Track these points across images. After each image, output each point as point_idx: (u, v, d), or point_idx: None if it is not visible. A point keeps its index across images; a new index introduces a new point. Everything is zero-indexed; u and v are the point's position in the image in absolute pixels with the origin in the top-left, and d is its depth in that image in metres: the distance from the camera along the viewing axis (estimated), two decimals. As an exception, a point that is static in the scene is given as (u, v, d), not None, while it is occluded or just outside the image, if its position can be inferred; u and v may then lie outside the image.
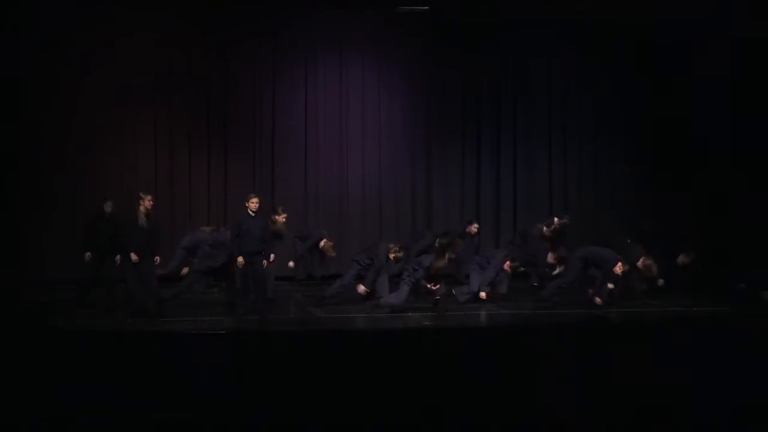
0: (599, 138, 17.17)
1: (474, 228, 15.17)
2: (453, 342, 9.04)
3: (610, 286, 12.94)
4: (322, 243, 14.66)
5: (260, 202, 12.63)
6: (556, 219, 14.57)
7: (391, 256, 13.04)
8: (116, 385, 7.44)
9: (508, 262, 13.54)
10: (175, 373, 7.65)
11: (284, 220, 13.37)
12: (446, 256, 12.80)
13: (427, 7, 15.93)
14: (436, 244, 13.71)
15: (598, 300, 12.93)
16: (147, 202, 12.25)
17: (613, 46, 16.65)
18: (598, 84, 17.01)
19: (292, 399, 7.35)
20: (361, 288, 13.01)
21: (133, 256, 11.97)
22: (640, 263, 13.05)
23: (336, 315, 12.83)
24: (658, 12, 15.34)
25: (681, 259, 14.34)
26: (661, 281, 13.72)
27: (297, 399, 7.35)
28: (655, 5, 15.07)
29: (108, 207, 13.18)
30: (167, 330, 11.61)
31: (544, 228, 14.35)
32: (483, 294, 13.34)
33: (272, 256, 12.65)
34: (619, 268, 12.79)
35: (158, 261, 12.30)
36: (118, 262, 12.47)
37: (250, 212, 12.30)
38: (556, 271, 13.88)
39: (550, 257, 14.03)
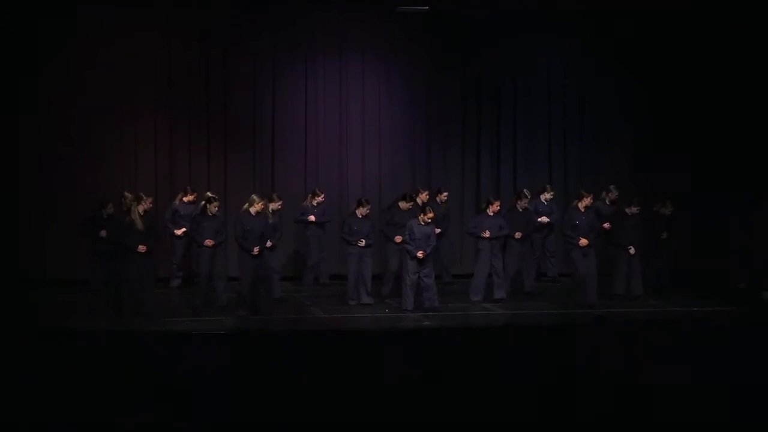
0: (599, 138, 17.15)
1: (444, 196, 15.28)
2: (453, 342, 9.05)
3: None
4: None
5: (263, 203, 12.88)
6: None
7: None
8: (116, 385, 7.44)
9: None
10: (175, 373, 7.66)
11: (278, 207, 13.76)
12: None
13: (427, 7, 15.91)
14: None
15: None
16: (147, 204, 12.33)
17: (614, 46, 16.63)
18: (598, 84, 16.98)
19: (292, 399, 7.35)
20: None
21: (141, 248, 12.06)
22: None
23: (336, 315, 12.85)
24: (659, 9, 15.34)
25: (662, 210, 14.30)
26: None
27: (297, 399, 7.35)
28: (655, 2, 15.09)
29: (110, 209, 13.18)
30: (167, 330, 11.63)
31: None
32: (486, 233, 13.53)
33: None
34: None
35: None
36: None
37: (252, 213, 12.55)
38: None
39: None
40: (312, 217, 14.93)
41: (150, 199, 12.70)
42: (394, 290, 13.82)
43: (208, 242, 13.00)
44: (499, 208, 13.74)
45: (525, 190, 14.70)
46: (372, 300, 13.39)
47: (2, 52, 14.72)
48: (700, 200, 15.44)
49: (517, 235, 13.86)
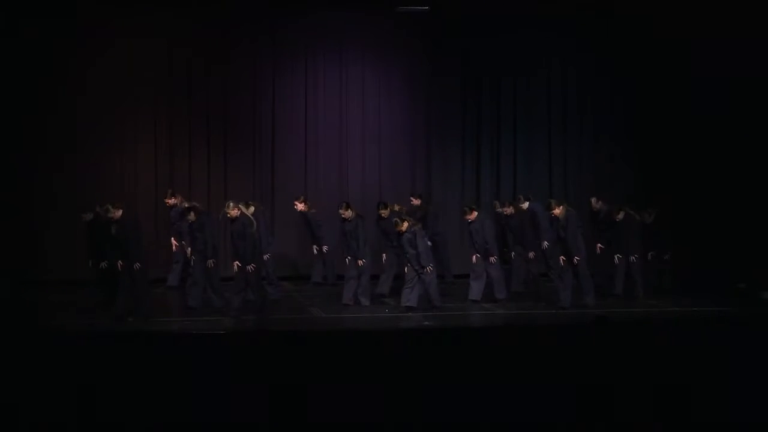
0: (599, 138, 17.16)
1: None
2: (453, 342, 9.04)
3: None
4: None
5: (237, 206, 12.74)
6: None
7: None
8: (116, 385, 7.44)
9: None
10: (175, 373, 7.66)
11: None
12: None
13: (427, 7, 15.93)
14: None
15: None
16: (116, 213, 12.27)
17: (614, 45, 16.63)
18: (598, 83, 16.99)
19: (292, 399, 7.35)
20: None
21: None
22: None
23: (336, 315, 12.86)
24: (659, 9, 15.35)
25: (645, 217, 14.33)
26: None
27: (296, 399, 7.35)
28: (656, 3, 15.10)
29: (87, 217, 13.08)
30: (167, 330, 11.64)
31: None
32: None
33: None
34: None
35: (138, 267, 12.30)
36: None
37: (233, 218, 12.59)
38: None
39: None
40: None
41: (119, 211, 12.49)
42: (393, 290, 13.84)
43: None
44: (475, 215, 13.65)
45: (521, 196, 14.76)
46: (368, 301, 13.39)
47: (2, 52, 14.74)
48: (700, 199, 15.45)
49: (531, 255, 14.20)
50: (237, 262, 12.38)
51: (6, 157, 15.00)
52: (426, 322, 12.27)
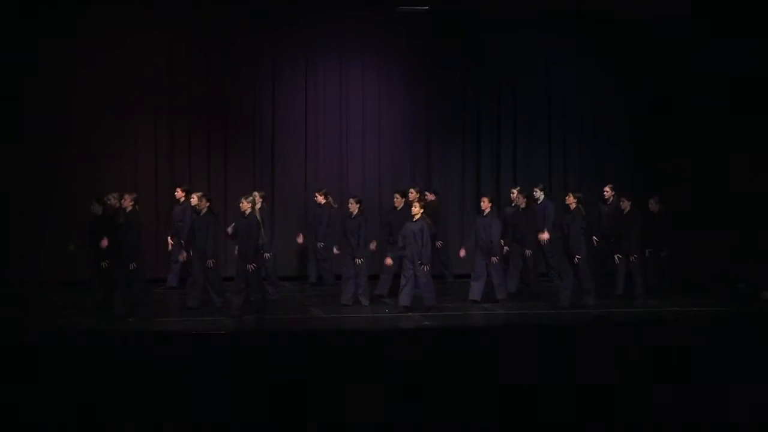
0: (599, 138, 17.16)
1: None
2: (453, 342, 9.06)
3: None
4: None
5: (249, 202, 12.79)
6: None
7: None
8: (116, 384, 7.45)
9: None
10: (176, 373, 7.67)
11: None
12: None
13: (427, 7, 15.92)
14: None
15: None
16: (127, 202, 12.37)
17: (614, 46, 16.63)
18: (598, 83, 16.98)
19: (291, 398, 7.35)
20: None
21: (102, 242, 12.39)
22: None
23: (336, 315, 12.85)
24: (659, 10, 15.34)
25: (651, 205, 14.34)
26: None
27: (296, 399, 7.36)
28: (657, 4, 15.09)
29: (96, 210, 13.03)
30: (167, 330, 11.64)
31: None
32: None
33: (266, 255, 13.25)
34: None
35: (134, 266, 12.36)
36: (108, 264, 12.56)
37: (243, 212, 12.62)
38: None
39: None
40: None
41: (132, 202, 12.59)
42: (393, 290, 13.83)
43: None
44: (489, 206, 13.67)
45: (535, 190, 14.70)
46: (368, 301, 13.38)
47: (3, 52, 14.73)
48: (700, 199, 15.44)
49: (527, 253, 14.14)
50: (237, 255, 12.50)
51: (4, 157, 14.98)
52: (426, 322, 12.27)
